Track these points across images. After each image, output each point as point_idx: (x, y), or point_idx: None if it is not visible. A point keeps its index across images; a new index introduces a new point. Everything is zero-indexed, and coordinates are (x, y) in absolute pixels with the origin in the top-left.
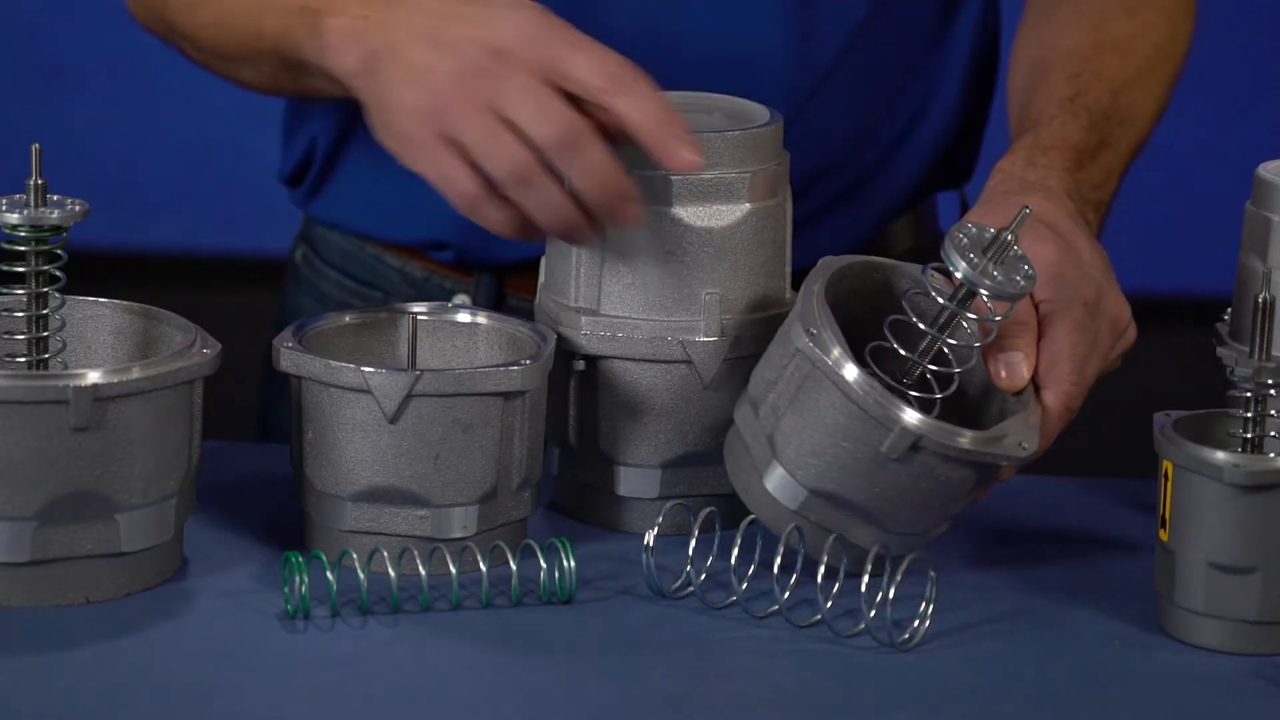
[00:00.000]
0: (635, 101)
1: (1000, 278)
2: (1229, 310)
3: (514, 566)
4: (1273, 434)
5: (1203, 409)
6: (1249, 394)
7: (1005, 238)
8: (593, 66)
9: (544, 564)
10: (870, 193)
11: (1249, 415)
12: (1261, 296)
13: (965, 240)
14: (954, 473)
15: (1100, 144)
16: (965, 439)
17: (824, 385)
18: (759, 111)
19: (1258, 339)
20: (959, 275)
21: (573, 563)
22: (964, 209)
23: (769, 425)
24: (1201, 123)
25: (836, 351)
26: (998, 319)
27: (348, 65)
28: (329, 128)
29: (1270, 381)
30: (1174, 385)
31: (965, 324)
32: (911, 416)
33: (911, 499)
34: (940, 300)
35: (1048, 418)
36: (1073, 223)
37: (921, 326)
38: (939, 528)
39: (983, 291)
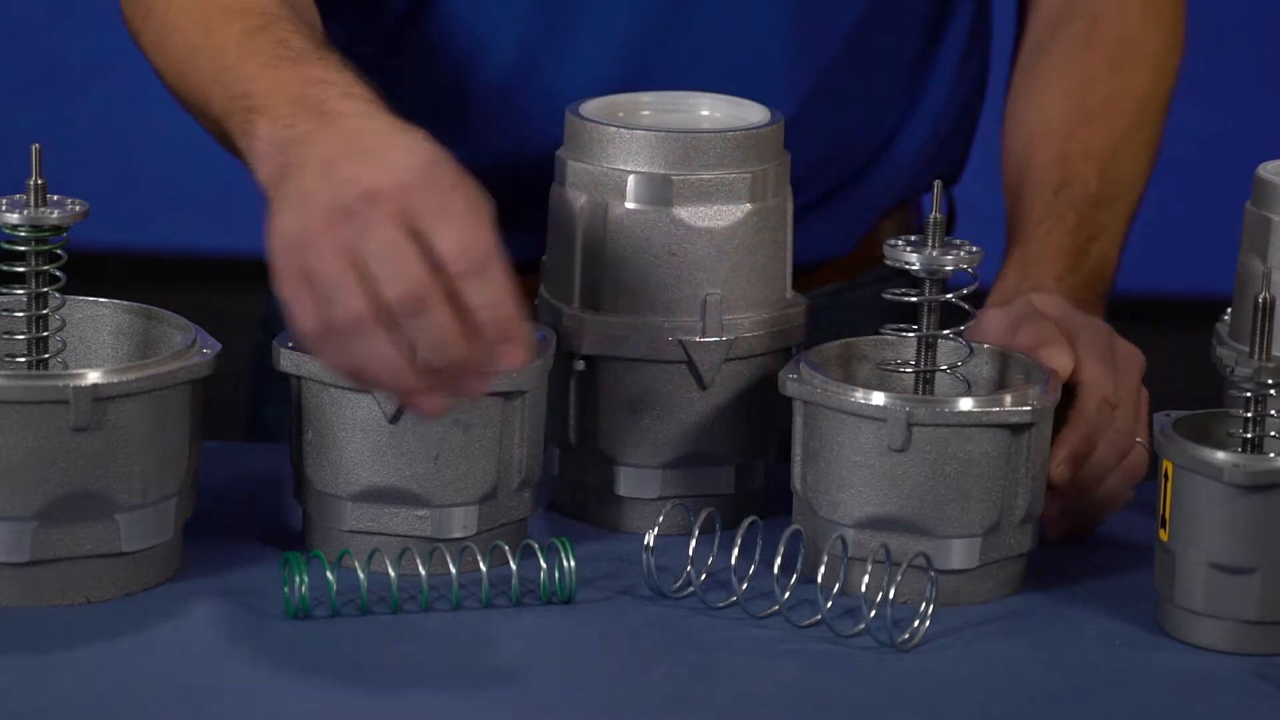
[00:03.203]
0: (483, 289)
1: (950, 258)
2: (1229, 310)
3: (514, 566)
4: (1273, 434)
5: (1203, 409)
6: (1249, 394)
7: (934, 218)
8: (454, 239)
9: (544, 564)
10: (860, 192)
11: (1249, 415)
12: (1261, 296)
13: (900, 243)
14: (971, 446)
15: (1090, 239)
16: (957, 403)
17: (819, 414)
18: (759, 111)
19: (1258, 339)
20: (916, 266)
21: (573, 563)
22: (952, 208)
23: (801, 486)
24: (1202, 124)
25: (816, 380)
26: (965, 291)
27: (264, 175)
28: None
29: (1270, 381)
30: (1174, 385)
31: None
32: (893, 399)
33: (943, 490)
34: (911, 333)
35: (1083, 404)
36: (1070, 305)
37: (910, 333)
38: (1012, 515)
39: (946, 268)
